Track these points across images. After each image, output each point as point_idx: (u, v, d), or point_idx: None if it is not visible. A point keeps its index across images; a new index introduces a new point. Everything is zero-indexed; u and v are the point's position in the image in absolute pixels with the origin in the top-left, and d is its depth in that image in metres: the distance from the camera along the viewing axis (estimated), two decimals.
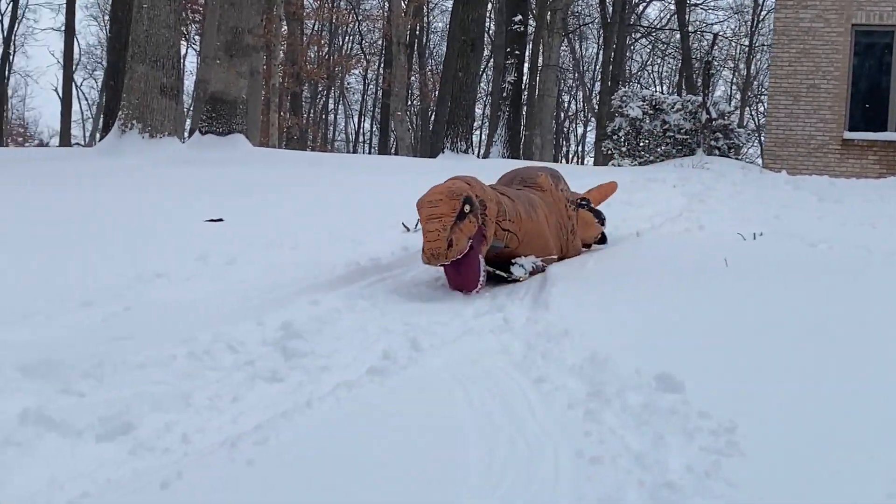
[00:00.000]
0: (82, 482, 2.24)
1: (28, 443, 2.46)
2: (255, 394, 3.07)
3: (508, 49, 18.06)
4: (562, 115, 37.63)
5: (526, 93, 22.72)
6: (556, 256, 4.97)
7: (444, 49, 18.81)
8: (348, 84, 39.81)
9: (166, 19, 10.28)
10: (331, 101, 40.27)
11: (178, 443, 2.53)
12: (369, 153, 35.95)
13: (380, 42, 33.58)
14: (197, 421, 2.75)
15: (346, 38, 38.17)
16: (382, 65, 31.25)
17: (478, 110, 27.09)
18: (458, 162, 12.83)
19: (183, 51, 27.79)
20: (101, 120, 22.23)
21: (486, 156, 21.15)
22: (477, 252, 4.40)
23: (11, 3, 31.51)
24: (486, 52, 25.34)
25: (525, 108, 23.31)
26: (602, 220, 5.80)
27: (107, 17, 27.97)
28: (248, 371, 3.30)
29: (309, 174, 9.33)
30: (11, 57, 33.95)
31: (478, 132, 31.04)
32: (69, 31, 26.11)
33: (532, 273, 4.80)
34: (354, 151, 39.75)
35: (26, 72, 57.41)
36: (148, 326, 3.53)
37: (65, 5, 26.25)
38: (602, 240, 5.82)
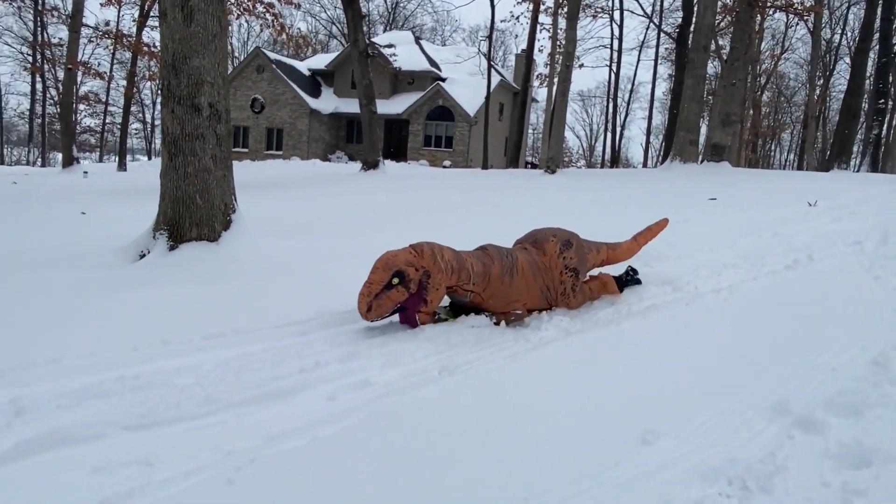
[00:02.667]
0: None
1: None
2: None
3: None
4: None
5: None
6: (521, 311, 5.46)
7: None
8: None
9: None
10: None
11: None
12: None
13: None
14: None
15: None
16: None
17: None
18: None
19: None
20: None
21: None
22: (413, 311, 5.03)
23: None
24: None
25: None
26: (626, 283, 6.25)
27: None
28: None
29: None
30: None
31: None
32: None
33: (510, 321, 5.39)
34: None
35: None
36: None
37: None
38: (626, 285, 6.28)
